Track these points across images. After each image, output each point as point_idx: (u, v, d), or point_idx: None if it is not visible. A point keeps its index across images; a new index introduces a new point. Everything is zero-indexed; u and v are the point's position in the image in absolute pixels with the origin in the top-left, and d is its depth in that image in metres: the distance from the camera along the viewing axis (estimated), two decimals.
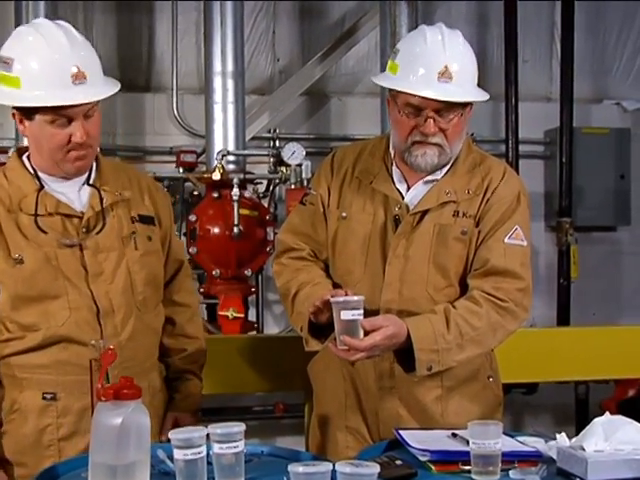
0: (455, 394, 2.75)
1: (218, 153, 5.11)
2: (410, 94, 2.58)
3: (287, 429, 5.51)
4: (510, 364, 2.93)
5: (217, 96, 5.30)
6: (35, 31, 2.47)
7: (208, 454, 2.10)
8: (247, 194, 5.30)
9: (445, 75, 2.57)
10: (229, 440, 2.09)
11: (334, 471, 1.93)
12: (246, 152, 5.40)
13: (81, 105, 2.45)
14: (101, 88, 2.52)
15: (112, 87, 2.55)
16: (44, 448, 2.53)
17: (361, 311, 2.46)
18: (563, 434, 2.23)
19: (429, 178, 2.72)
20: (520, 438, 2.40)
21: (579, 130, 6.25)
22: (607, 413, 2.24)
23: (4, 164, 4.87)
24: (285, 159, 5.26)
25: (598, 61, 6.65)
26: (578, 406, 6.03)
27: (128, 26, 5.98)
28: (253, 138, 5.82)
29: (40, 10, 5.02)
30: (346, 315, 2.44)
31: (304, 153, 5.25)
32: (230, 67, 5.27)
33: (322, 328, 2.64)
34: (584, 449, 2.11)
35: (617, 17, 6.61)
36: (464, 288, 2.69)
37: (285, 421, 5.62)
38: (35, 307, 2.51)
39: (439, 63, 2.58)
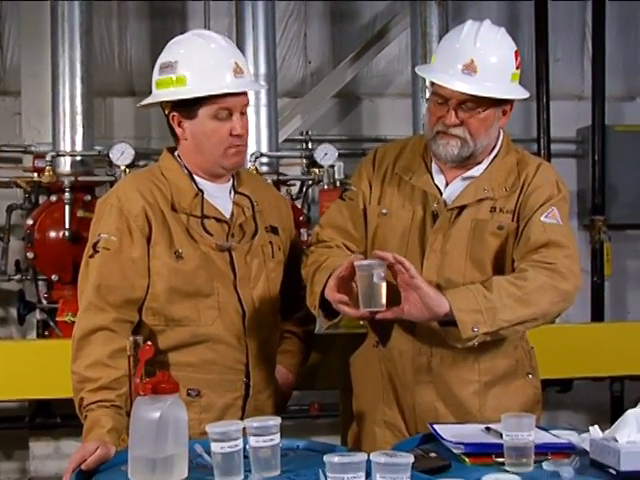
0: (493, 389, 2.74)
1: (251, 155, 5.13)
2: (437, 84, 2.63)
3: (323, 428, 5.51)
4: (544, 360, 2.92)
5: (250, 99, 5.31)
6: (193, 35, 2.72)
7: (245, 448, 2.14)
8: None
9: (469, 68, 2.59)
10: (265, 433, 2.13)
11: (369, 461, 1.95)
12: (279, 154, 5.42)
13: (242, 97, 2.68)
14: (255, 84, 2.75)
15: (262, 85, 2.88)
16: None
17: (384, 275, 2.47)
18: (596, 426, 2.23)
19: (467, 174, 2.74)
20: (554, 432, 2.41)
21: (611, 128, 6.21)
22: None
23: (43, 169, 4.96)
24: (318, 160, 5.29)
25: (630, 59, 6.61)
26: (613, 404, 5.98)
27: (161, 31, 6.01)
28: (286, 140, 5.85)
29: (75, 14, 5.00)
30: (377, 277, 2.45)
31: (337, 154, 5.27)
32: (262, 70, 5.28)
33: (332, 310, 2.62)
34: (617, 440, 2.12)
35: None
36: None
37: (320, 420, 5.63)
38: (187, 302, 2.63)
39: (466, 55, 2.60)
